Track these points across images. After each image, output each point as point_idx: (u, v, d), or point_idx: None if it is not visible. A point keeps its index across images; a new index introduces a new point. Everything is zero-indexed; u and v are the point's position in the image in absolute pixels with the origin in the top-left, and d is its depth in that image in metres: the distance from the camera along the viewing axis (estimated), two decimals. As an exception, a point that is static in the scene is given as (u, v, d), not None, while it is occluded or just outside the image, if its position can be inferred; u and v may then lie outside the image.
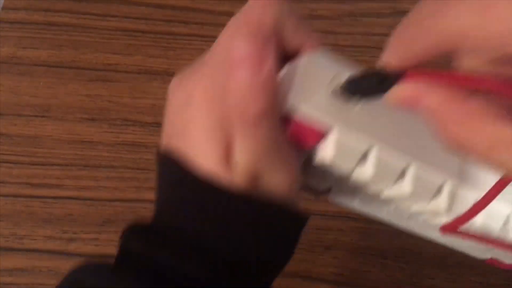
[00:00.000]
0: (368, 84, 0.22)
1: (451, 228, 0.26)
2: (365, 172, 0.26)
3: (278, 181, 0.25)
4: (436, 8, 0.19)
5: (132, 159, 0.52)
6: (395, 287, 0.49)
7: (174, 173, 0.25)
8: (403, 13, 0.56)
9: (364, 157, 0.25)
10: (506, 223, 0.29)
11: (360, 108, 0.25)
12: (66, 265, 0.51)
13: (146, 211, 0.52)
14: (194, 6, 0.54)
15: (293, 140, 0.25)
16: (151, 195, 0.55)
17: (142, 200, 0.51)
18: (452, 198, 0.28)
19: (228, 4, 0.56)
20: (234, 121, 0.23)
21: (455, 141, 0.19)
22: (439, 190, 0.27)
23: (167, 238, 0.25)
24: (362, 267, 0.49)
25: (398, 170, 0.26)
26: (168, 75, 0.55)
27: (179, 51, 0.56)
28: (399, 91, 0.21)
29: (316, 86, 0.24)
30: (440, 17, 0.18)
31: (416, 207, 0.29)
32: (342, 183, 0.30)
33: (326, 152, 0.25)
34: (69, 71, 0.55)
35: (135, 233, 0.26)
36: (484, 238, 0.29)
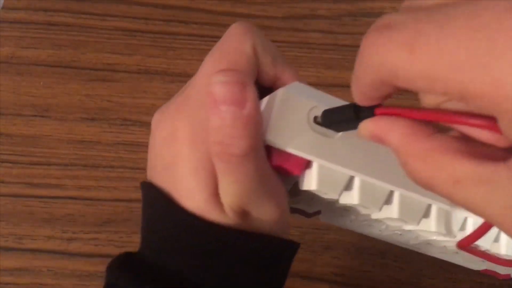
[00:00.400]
0: (343, 117, 0.22)
1: (465, 244, 0.26)
2: (351, 199, 0.26)
3: (267, 214, 0.24)
4: (373, 42, 0.17)
5: (132, 159, 0.52)
6: (395, 287, 0.49)
7: (162, 208, 0.25)
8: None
9: (348, 186, 0.26)
10: (496, 239, 0.30)
11: (339, 139, 0.25)
12: (65, 265, 0.51)
13: (146, 211, 0.52)
14: (193, 6, 0.54)
15: (277, 170, 0.25)
16: (151, 195, 0.55)
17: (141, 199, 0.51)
18: (444, 219, 0.28)
19: (228, 4, 0.56)
20: (218, 160, 0.22)
21: (419, 178, 0.18)
22: (427, 213, 0.27)
23: (154, 277, 0.24)
24: (362, 267, 0.49)
25: (382, 197, 0.26)
26: (167, 75, 0.55)
27: (178, 51, 0.56)
28: (363, 127, 0.20)
29: (294, 119, 0.24)
30: (375, 53, 0.17)
31: (407, 227, 0.30)
32: (331, 207, 0.30)
33: (309, 182, 0.25)
34: (69, 71, 0.55)
35: (122, 269, 0.26)
36: (480, 253, 0.29)
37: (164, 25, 0.55)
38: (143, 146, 0.54)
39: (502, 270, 0.35)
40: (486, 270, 0.37)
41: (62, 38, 0.55)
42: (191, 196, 0.24)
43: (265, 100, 0.25)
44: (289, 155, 0.24)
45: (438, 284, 0.48)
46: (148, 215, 0.26)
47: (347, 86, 0.53)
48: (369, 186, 0.26)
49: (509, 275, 0.37)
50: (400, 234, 0.32)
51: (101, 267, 0.52)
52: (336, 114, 0.23)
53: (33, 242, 0.49)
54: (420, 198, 0.27)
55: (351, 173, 0.25)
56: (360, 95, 0.19)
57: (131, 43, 0.57)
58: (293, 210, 0.31)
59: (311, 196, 0.28)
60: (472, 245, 0.27)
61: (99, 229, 0.51)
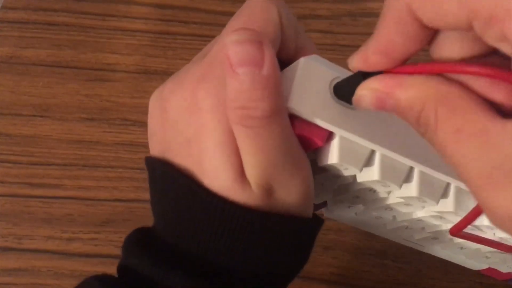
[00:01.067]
0: (353, 87, 0.22)
1: (457, 230, 0.26)
2: (371, 175, 0.25)
3: (293, 191, 0.23)
4: None
5: (131, 159, 0.52)
6: (394, 287, 0.49)
7: (183, 188, 0.23)
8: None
9: (369, 160, 0.25)
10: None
11: (360, 112, 0.24)
12: (65, 265, 0.51)
13: (145, 211, 0.51)
14: (193, 6, 0.54)
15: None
16: (151, 195, 0.55)
17: (141, 200, 0.51)
18: (458, 199, 0.27)
19: (228, 4, 0.56)
20: (240, 127, 0.21)
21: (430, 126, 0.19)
22: (445, 191, 0.27)
23: (178, 262, 0.24)
24: (362, 267, 0.49)
25: (402, 174, 0.26)
26: (167, 74, 0.55)
27: (178, 51, 0.56)
28: (365, 87, 0.20)
29: (315, 90, 0.24)
30: None
31: (420, 213, 0.29)
32: (340, 194, 0.29)
33: (331, 155, 0.24)
34: (68, 70, 0.55)
35: (143, 252, 0.24)
36: (480, 239, 0.29)
37: (164, 25, 0.55)
38: (143, 146, 0.54)
39: (503, 267, 0.35)
40: (487, 269, 0.37)
41: (62, 38, 0.55)
42: (217, 174, 0.22)
43: (286, 70, 0.24)
44: (312, 125, 0.24)
45: (438, 284, 0.48)
46: (163, 195, 0.25)
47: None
48: (389, 161, 0.25)
49: (509, 275, 0.37)
50: (407, 228, 0.31)
51: (100, 267, 0.52)
52: (346, 85, 0.23)
53: (32, 242, 0.49)
54: (439, 176, 0.26)
55: (373, 146, 0.25)
56: (381, 54, 0.19)
57: (130, 43, 0.57)
58: None
59: (324, 179, 0.27)
60: (468, 231, 0.26)
61: (98, 229, 0.51)
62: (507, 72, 0.17)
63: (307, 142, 0.24)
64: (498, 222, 0.18)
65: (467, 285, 0.48)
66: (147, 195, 0.52)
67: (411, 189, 0.26)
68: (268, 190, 0.23)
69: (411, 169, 0.26)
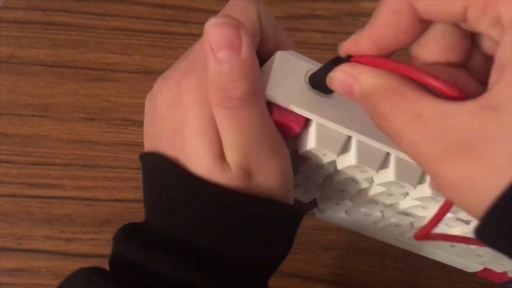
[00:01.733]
0: (326, 74, 0.24)
1: (424, 233, 0.26)
2: (348, 161, 0.27)
3: (271, 174, 0.24)
4: None
5: (131, 159, 0.52)
6: (394, 287, 0.49)
7: (168, 174, 0.25)
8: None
9: (345, 146, 0.27)
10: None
11: (335, 100, 0.26)
12: (64, 265, 0.51)
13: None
14: (193, 6, 0.54)
15: (277, 127, 0.25)
16: (150, 195, 0.55)
17: (140, 200, 0.51)
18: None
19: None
20: (220, 108, 0.23)
21: (383, 115, 0.20)
22: (423, 177, 0.28)
23: (164, 246, 0.24)
24: (361, 267, 0.49)
25: (379, 158, 0.27)
26: (167, 74, 0.55)
27: (178, 50, 0.56)
28: (334, 74, 0.22)
29: (291, 79, 0.25)
30: None
31: (404, 203, 0.30)
32: (327, 189, 0.30)
33: (309, 140, 0.26)
34: (67, 70, 0.55)
35: (129, 238, 0.26)
36: (449, 237, 0.29)
37: (163, 24, 0.55)
38: (142, 146, 0.53)
39: (498, 267, 0.35)
40: (484, 271, 0.37)
41: (61, 38, 0.55)
42: (198, 158, 0.24)
43: (265, 64, 0.26)
44: (289, 112, 0.25)
45: (438, 285, 0.48)
46: (152, 184, 0.26)
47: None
48: (366, 147, 0.26)
49: (505, 275, 0.37)
50: (396, 225, 0.32)
51: (100, 267, 0.51)
52: (321, 74, 0.24)
53: (31, 243, 0.49)
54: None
55: (349, 132, 0.26)
56: (372, 41, 0.22)
57: (130, 43, 0.57)
58: None
59: (309, 171, 0.28)
60: (436, 232, 0.27)
61: (98, 230, 0.51)
62: (457, 88, 0.19)
63: (285, 128, 0.25)
64: (450, 193, 0.19)
65: (467, 285, 0.48)
66: (146, 195, 0.52)
67: (389, 174, 0.27)
68: (247, 173, 0.24)
69: (387, 155, 0.27)
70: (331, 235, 0.49)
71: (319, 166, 0.28)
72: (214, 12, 0.55)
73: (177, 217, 0.25)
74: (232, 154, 0.23)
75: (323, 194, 0.31)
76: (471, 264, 0.35)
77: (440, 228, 0.29)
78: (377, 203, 0.31)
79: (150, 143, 0.27)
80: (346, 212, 0.33)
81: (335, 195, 0.31)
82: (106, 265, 0.53)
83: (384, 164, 0.27)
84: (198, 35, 0.55)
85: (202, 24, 0.61)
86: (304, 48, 0.51)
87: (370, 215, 0.32)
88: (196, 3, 0.54)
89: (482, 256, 0.33)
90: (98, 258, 0.51)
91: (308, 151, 0.26)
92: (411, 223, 0.32)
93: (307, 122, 0.26)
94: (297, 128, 0.25)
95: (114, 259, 0.26)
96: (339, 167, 0.27)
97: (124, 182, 0.51)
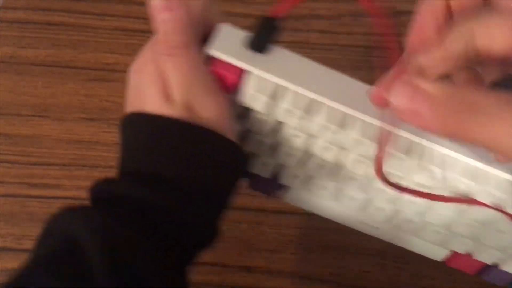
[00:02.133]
0: (262, 32, 0.29)
1: (378, 168, 0.29)
2: (282, 104, 0.31)
3: (208, 109, 0.30)
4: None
5: (131, 159, 0.52)
6: (394, 287, 0.49)
7: (134, 122, 0.30)
8: (403, 13, 0.56)
9: (281, 95, 0.31)
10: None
11: (272, 56, 0.30)
12: (64, 266, 0.51)
13: (145, 211, 0.51)
14: (193, 6, 0.54)
15: (218, 79, 0.30)
16: (150, 195, 0.55)
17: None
18: (363, 129, 0.31)
19: (228, 4, 0.56)
20: (164, 55, 0.29)
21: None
22: (352, 123, 0.31)
23: (130, 175, 0.30)
24: (361, 267, 0.49)
25: (312, 106, 0.31)
26: (167, 74, 0.55)
27: (178, 50, 0.56)
28: (371, 93, 0.26)
29: (231, 41, 0.30)
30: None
31: (347, 158, 0.32)
32: (278, 154, 0.33)
33: (247, 88, 0.30)
34: (67, 70, 0.55)
35: (103, 182, 0.31)
36: (409, 190, 0.32)
37: (164, 25, 0.55)
38: (142, 146, 0.54)
39: (459, 246, 0.37)
40: (452, 258, 0.38)
41: (61, 38, 0.55)
42: (152, 102, 0.29)
43: (211, 34, 0.31)
44: (227, 64, 0.30)
45: (438, 285, 0.48)
46: (124, 136, 0.31)
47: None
48: (300, 96, 0.30)
49: (475, 262, 0.38)
50: (379, 209, 0.34)
51: (100, 267, 0.51)
52: (257, 35, 0.30)
53: (31, 243, 0.48)
54: (346, 110, 0.31)
55: (282, 82, 0.30)
56: (440, 60, 0.25)
57: (130, 43, 0.57)
58: (253, 185, 0.36)
59: (257, 133, 0.32)
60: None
61: (98, 230, 0.51)
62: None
63: (223, 78, 0.30)
64: None
65: (467, 285, 0.48)
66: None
67: (320, 117, 0.31)
68: (188, 107, 0.29)
69: (320, 103, 0.31)
70: (331, 235, 0.49)
71: (263, 121, 0.32)
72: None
73: (142, 152, 0.30)
74: (176, 93, 0.29)
75: (279, 166, 0.34)
76: (439, 250, 0.37)
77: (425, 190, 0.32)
78: (324, 167, 0.33)
79: (127, 110, 0.32)
80: (311, 194, 0.35)
81: (301, 168, 0.34)
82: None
83: (313, 111, 0.31)
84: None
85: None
86: (304, 48, 0.51)
87: (326, 188, 0.34)
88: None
89: (440, 232, 0.35)
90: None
91: (247, 99, 0.31)
92: (397, 213, 0.34)
93: (243, 74, 0.30)
94: (234, 78, 0.30)
95: (96, 199, 0.32)
96: (277, 116, 0.31)
97: (124, 182, 0.51)
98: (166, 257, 0.29)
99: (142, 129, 0.30)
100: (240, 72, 0.30)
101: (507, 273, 0.38)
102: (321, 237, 0.49)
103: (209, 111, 0.30)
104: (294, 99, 0.30)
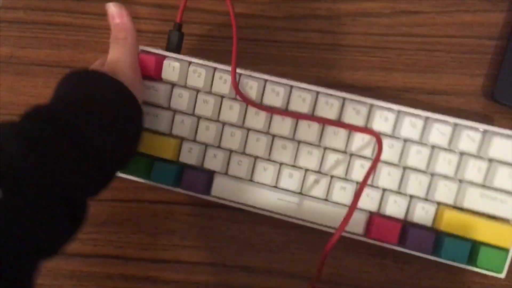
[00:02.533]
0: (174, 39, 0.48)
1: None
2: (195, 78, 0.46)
3: (126, 75, 0.42)
4: None
5: (131, 159, 0.52)
6: (394, 287, 0.49)
7: (73, 75, 0.41)
8: (402, 13, 0.56)
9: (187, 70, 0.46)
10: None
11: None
12: (64, 265, 0.51)
13: (145, 211, 0.51)
14: (193, 6, 0.54)
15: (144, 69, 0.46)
16: (151, 195, 0.55)
17: (141, 200, 0.51)
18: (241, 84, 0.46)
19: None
20: (113, 42, 0.44)
21: None
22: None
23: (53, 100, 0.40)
24: (361, 267, 0.49)
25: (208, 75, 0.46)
26: (167, 75, 0.55)
27: (178, 50, 0.56)
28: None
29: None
30: None
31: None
32: (208, 135, 0.47)
33: (164, 68, 0.46)
34: (67, 70, 0.55)
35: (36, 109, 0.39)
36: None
37: (163, 25, 0.55)
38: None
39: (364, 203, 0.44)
40: (372, 228, 0.43)
41: (61, 38, 0.55)
42: (94, 65, 0.45)
43: None
44: (151, 56, 0.46)
45: (438, 284, 0.48)
46: (71, 83, 0.41)
47: (348, 86, 0.53)
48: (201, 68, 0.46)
49: (395, 226, 0.42)
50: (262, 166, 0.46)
51: (100, 267, 0.52)
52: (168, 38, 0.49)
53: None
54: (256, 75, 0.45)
55: (188, 58, 0.46)
56: None
57: (130, 43, 0.57)
58: (184, 183, 0.46)
59: (179, 105, 0.47)
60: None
61: (98, 229, 0.51)
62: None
63: (147, 64, 0.46)
64: None
65: (467, 285, 0.48)
66: (147, 195, 0.52)
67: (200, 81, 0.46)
68: (113, 72, 0.42)
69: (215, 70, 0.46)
70: (331, 235, 0.49)
71: (181, 97, 0.46)
72: (214, 12, 0.55)
73: (67, 89, 0.41)
74: (108, 62, 0.43)
75: (203, 150, 0.47)
76: (357, 215, 0.44)
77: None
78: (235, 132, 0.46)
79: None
80: (236, 178, 0.46)
81: (209, 142, 0.46)
82: (106, 265, 0.53)
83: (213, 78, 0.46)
84: (198, 35, 0.55)
85: (201, 24, 0.61)
86: (304, 48, 0.51)
87: (243, 162, 0.46)
88: (196, 3, 0.54)
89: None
90: (98, 258, 0.51)
91: (165, 75, 0.46)
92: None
93: (162, 59, 0.47)
94: (157, 60, 0.46)
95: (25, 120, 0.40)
96: (177, 91, 0.46)
97: (124, 182, 0.51)
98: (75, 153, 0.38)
99: (73, 77, 0.41)
100: (161, 58, 0.47)
101: (426, 233, 0.42)
102: (320, 237, 0.49)
103: (126, 77, 0.42)
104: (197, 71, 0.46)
